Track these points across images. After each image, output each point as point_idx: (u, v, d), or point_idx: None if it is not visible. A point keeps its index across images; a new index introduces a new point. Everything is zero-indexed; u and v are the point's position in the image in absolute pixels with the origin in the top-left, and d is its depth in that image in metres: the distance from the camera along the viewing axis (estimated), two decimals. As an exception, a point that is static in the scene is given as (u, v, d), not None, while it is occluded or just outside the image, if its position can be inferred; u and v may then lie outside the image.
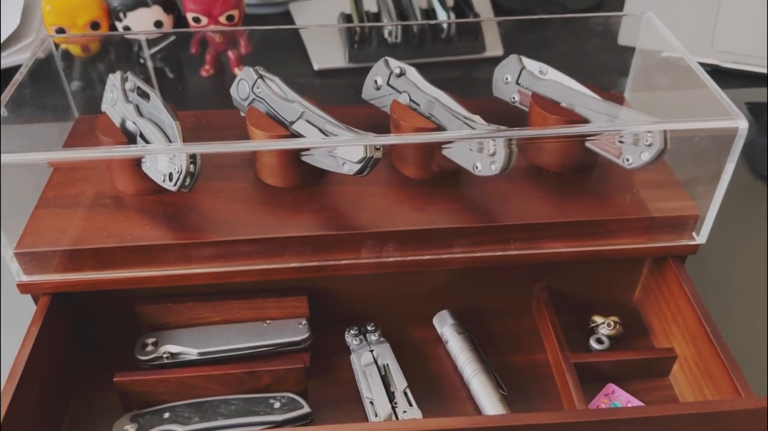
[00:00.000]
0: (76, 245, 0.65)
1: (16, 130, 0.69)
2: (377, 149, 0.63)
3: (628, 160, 0.68)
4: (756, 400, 0.58)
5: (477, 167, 0.66)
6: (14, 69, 0.88)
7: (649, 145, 0.66)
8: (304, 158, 0.67)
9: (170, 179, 0.64)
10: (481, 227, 0.67)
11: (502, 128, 0.65)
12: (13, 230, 0.65)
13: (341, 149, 0.64)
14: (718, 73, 1.12)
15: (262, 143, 0.68)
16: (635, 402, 0.69)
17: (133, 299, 0.70)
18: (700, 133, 0.64)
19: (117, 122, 0.71)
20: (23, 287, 0.66)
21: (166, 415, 0.65)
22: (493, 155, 0.65)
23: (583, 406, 0.64)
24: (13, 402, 0.59)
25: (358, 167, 0.64)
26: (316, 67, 1.13)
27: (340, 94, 1.08)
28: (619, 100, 0.84)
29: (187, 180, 0.64)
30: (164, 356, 0.70)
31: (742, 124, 0.62)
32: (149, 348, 0.70)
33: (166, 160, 0.64)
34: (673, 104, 0.77)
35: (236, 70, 1.01)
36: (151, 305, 0.71)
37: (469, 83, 1.12)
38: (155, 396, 0.66)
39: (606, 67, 0.87)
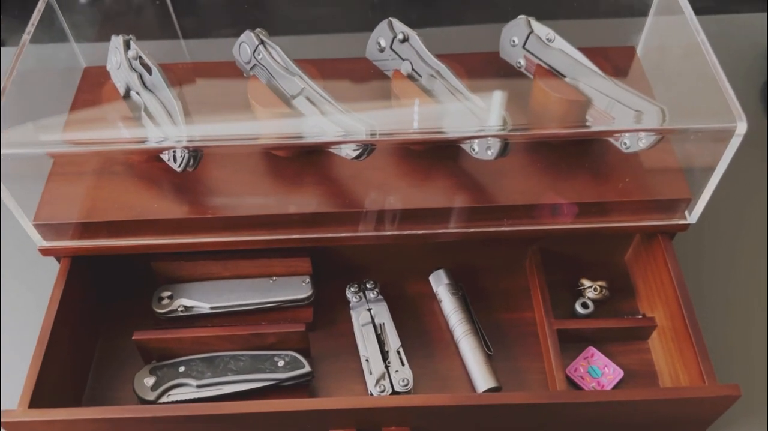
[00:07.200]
0: (90, 219, 0.69)
1: (19, 88, 0.70)
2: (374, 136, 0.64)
3: (626, 144, 0.68)
4: (716, 388, 0.63)
5: (474, 150, 0.67)
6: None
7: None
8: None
9: (174, 161, 0.66)
10: (475, 208, 0.69)
11: (502, 118, 0.65)
12: (29, 197, 0.69)
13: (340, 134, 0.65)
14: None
15: (263, 140, 0.68)
16: (612, 366, 0.74)
17: (148, 256, 0.75)
18: (699, 130, 0.64)
19: (121, 88, 0.72)
20: (44, 251, 0.72)
21: (182, 369, 0.72)
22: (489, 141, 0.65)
23: (561, 371, 0.70)
24: (47, 352, 0.66)
25: (354, 154, 0.65)
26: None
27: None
28: (630, 56, 0.81)
29: (191, 162, 0.66)
30: (179, 309, 0.76)
31: (741, 128, 0.61)
32: (165, 301, 0.76)
33: (170, 142, 0.66)
34: (682, 74, 0.75)
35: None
36: (165, 261, 0.76)
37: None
38: (171, 351, 0.73)
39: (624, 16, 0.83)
